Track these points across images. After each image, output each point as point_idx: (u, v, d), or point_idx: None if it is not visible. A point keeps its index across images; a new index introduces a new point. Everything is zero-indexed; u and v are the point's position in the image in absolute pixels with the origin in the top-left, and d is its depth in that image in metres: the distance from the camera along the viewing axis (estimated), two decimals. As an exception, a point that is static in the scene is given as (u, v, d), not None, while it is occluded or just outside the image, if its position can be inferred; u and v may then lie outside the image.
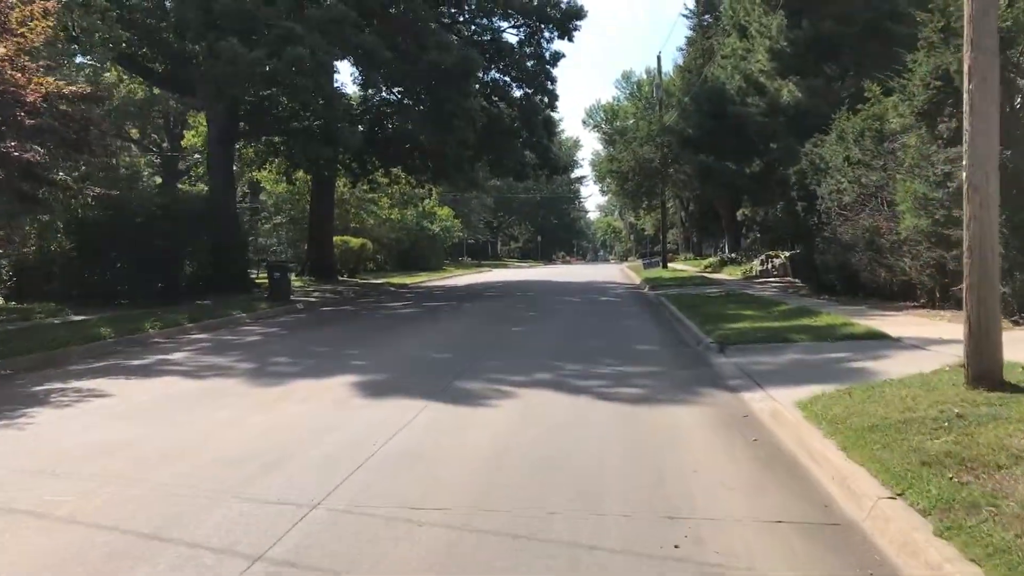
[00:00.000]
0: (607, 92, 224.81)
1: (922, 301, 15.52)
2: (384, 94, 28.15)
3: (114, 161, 28.22)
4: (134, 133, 42.00)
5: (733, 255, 38.39)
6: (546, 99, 29.20)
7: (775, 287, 24.52)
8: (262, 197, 45.71)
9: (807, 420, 6.52)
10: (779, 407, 7.21)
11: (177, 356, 12.13)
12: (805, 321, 13.63)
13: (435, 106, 23.70)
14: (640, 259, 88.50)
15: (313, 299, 24.88)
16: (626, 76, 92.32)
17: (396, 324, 16.97)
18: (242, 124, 26.55)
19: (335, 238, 38.51)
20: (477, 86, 26.07)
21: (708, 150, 26.89)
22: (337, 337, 14.57)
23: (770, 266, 28.67)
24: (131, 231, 20.73)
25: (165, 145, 43.89)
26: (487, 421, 7.19)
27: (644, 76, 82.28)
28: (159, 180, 43.09)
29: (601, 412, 7.51)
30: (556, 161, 31.69)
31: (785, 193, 22.52)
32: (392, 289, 31.61)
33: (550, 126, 30.21)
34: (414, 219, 54.73)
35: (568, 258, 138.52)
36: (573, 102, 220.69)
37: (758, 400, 7.81)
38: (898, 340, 11.11)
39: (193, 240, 24.47)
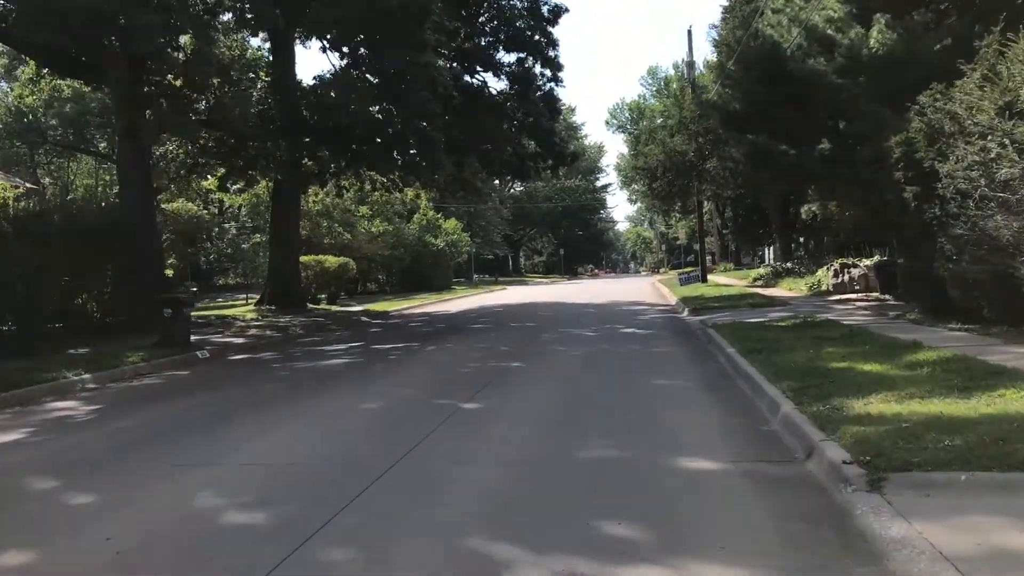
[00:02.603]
0: (632, 92, 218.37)
1: None
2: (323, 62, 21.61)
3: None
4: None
5: (788, 264, 31.59)
6: (546, 69, 22.77)
7: (864, 309, 17.81)
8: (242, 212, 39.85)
9: None
10: None
11: None
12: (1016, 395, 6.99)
13: (380, 68, 17.38)
14: (673, 270, 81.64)
15: (238, 340, 18.68)
16: (652, 72, 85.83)
17: (289, 396, 10.59)
18: (148, 112, 20.40)
19: (307, 258, 32.40)
20: (444, 40, 19.58)
21: (759, 127, 20.33)
22: (162, 431, 8.29)
23: (846, 278, 21.93)
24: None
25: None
26: None
27: (672, 71, 75.86)
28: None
29: None
30: (562, 149, 25.16)
31: (878, 177, 15.86)
32: (364, 320, 25.31)
33: (552, 104, 23.72)
34: (415, 233, 48.51)
35: (596, 271, 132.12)
36: (595, 106, 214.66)
37: None
38: None
39: (82, 266, 18.44)
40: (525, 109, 22.62)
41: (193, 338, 19.61)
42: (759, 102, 20.72)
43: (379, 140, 19.37)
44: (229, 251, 44.42)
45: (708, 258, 46.50)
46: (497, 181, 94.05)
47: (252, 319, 25.26)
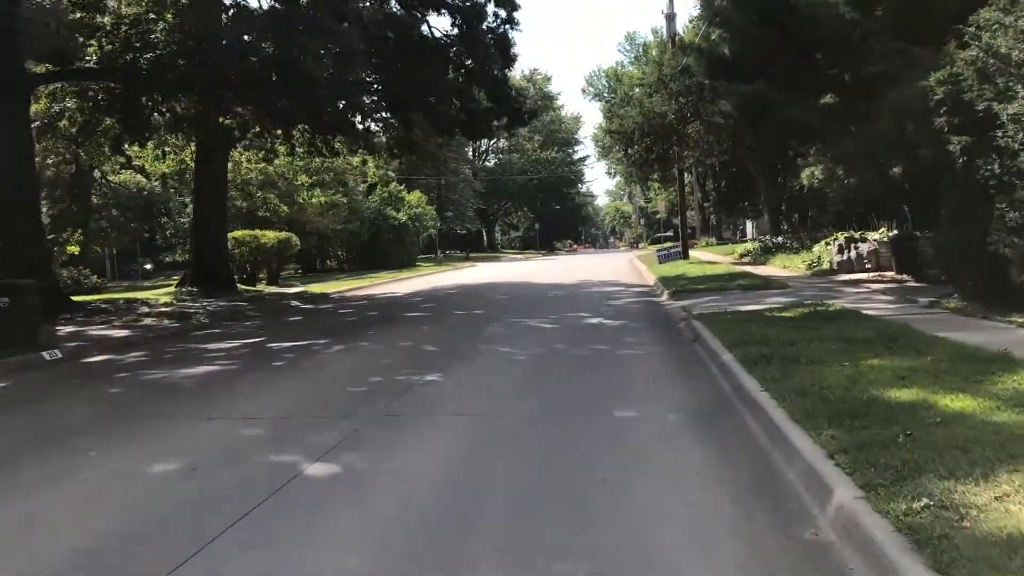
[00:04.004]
0: (611, 61, 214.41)
1: None
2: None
3: None
4: None
5: (778, 239, 28.35)
6: (500, 9, 19.03)
7: (883, 294, 14.56)
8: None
9: None
10: None
11: None
12: None
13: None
14: (652, 245, 78.48)
15: (120, 333, 15.21)
16: (630, 38, 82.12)
17: (70, 438, 7.14)
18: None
19: (241, 233, 28.82)
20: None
21: (754, 75, 16.94)
22: None
23: (853, 255, 18.67)
24: None
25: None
26: None
27: (651, 38, 72.17)
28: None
29: None
30: (517, 103, 21.47)
31: (906, 130, 12.57)
32: (293, 305, 21.81)
33: (505, 48, 19.94)
34: (375, 206, 44.83)
35: (575, 247, 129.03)
36: (575, 79, 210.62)
37: None
38: None
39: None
40: (473, 54, 19.03)
41: (71, 330, 16.23)
42: (753, 44, 17.30)
43: (278, 82, 15.70)
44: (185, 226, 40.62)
45: (688, 232, 43.25)
46: (472, 152, 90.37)
47: (163, 304, 21.77)
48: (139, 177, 41.79)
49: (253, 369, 10.22)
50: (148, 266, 53.40)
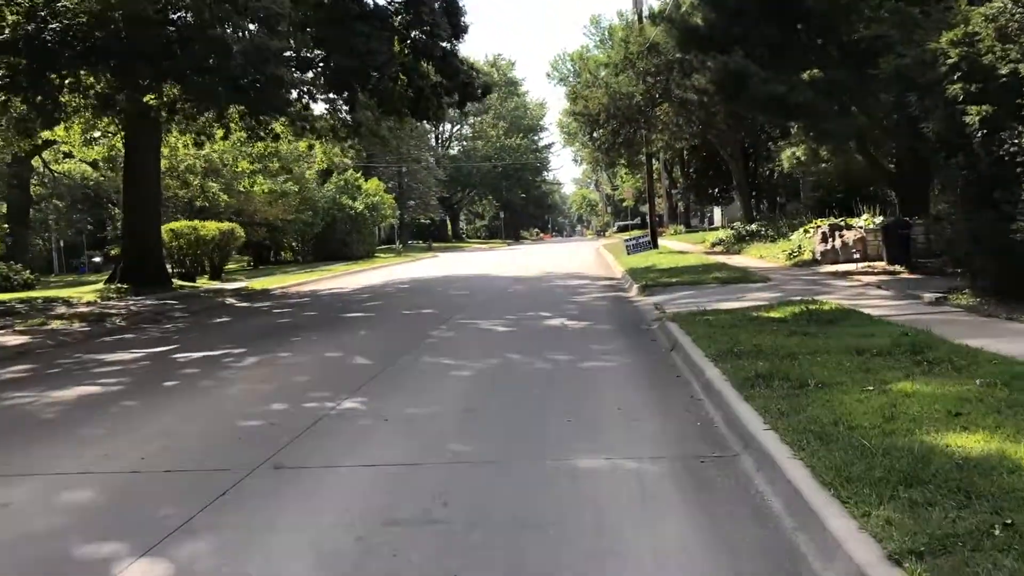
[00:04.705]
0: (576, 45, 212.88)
1: None
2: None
3: None
4: None
5: (752, 226, 26.84)
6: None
7: (878, 288, 13.06)
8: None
9: None
10: None
11: None
12: None
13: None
14: (620, 233, 77.05)
15: (15, 341, 13.22)
16: (595, 21, 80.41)
17: None
18: None
19: (179, 224, 26.70)
20: None
21: (731, 46, 15.30)
22: None
23: (838, 243, 17.17)
24: None
25: None
26: None
27: (616, 21, 70.43)
28: None
29: None
30: (468, 76, 19.49)
31: (908, 102, 10.99)
32: (228, 303, 19.87)
33: (454, 15, 17.91)
34: (330, 194, 42.70)
35: (542, 235, 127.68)
36: (542, 66, 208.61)
37: None
38: None
39: None
40: (419, 23, 17.08)
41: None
42: (730, 12, 15.66)
43: (190, 51, 13.64)
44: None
45: (656, 220, 41.73)
46: (435, 139, 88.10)
47: (85, 303, 19.74)
48: (85, 167, 39.30)
49: (138, 391, 8.36)
50: (97, 259, 50.82)
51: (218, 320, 15.69)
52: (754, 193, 35.41)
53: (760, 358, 7.29)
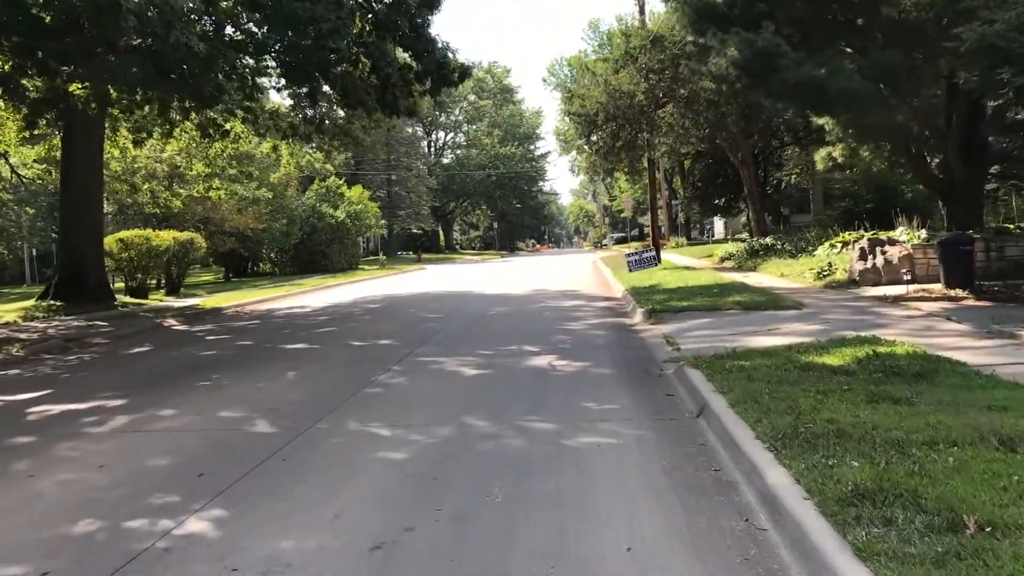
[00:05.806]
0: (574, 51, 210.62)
1: None
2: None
3: None
4: None
5: (766, 240, 24.15)
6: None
7: (947, 319, 10.40)
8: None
9: None
10: None
11: None
12: None
13: None
14: (618, 245, 74.38)
15: None
16: (593, 26, 78.14)
17: None
18: None
19: (129, 233, 23.98)
20: None
21: (755, 24, 12.71)
22: None
23: (880, 261, 14.47)
24: None
25: None
26: None
27: (615, 26, 68.08)
28: None
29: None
30: (442, 57, 16.66)
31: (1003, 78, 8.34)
32: (166, 326, 17.16)
33: (428, -11, 15.22)
34: (310, 202, 39.99)
35: (539, 247, 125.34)
36: (534, 75, 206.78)
37: None
38: None
39: None
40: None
41: None
42: (754, -16, 13.04)
43: (93, 24, 11.03)
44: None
45: (657, 230, 39.04)
46: (427, 147, 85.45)
47: (2, 324, 17.06)
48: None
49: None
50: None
51: (135, 351, 12.94)
52: (766, 201, 32.80)
53: (849, 450, 4.63)
